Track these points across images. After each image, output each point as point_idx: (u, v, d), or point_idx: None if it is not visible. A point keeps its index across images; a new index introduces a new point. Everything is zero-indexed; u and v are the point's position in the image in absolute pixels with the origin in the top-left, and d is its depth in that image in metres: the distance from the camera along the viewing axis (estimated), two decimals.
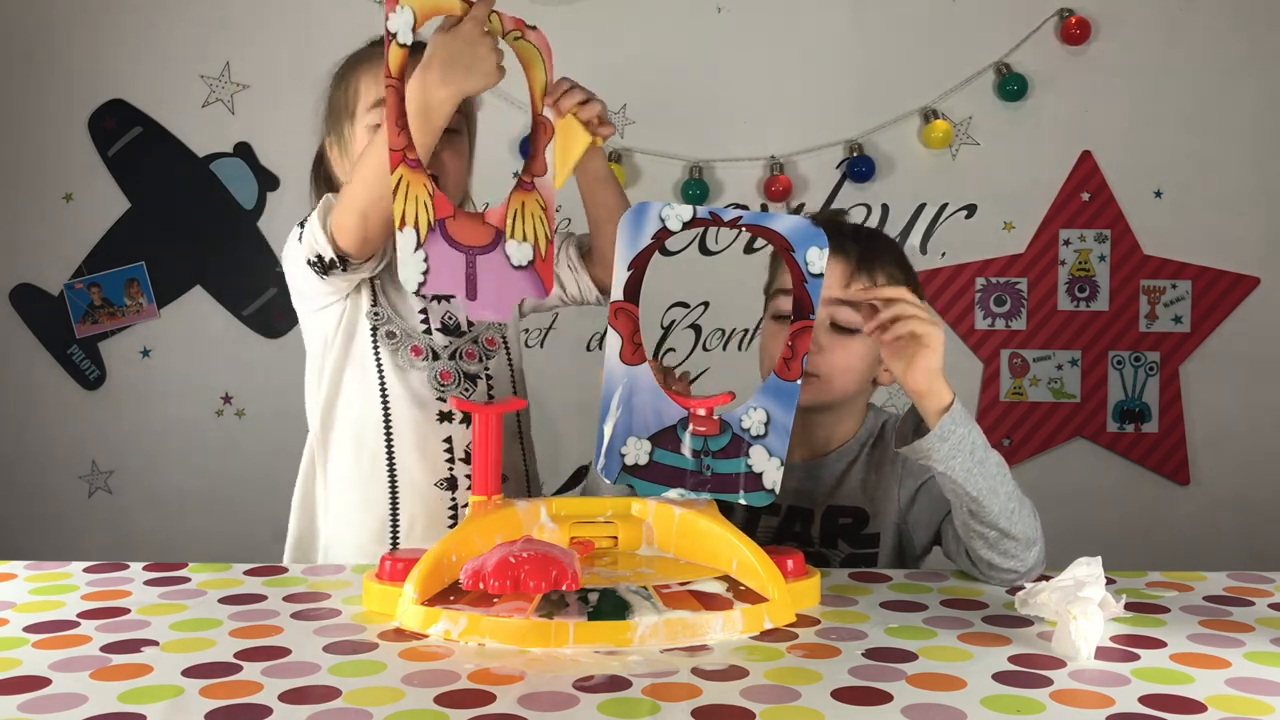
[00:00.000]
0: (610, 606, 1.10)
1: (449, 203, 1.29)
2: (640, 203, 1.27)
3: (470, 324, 1.56)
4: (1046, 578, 1.16)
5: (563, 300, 1.60)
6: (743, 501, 1.28)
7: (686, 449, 1.27)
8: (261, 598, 1.23)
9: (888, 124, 2.73)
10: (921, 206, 2.75)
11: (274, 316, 2.74)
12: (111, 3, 2.71)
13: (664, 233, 1.24)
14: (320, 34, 2.59)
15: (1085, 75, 2.72)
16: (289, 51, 2.67)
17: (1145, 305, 2.76)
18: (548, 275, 1.35)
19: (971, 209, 2.75)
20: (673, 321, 2.76)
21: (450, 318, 1.55)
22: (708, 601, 1.14)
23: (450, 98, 1.30)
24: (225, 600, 1.22)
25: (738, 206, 2.72)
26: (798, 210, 2.71)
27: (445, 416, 1.52)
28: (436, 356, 1.53)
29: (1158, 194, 2.75)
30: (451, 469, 1.52)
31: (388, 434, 1.52)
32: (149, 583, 1.29)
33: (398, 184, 1.26)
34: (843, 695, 0.96)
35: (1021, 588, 1.16)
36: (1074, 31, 2.69)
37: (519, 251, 1.33)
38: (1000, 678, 1.01)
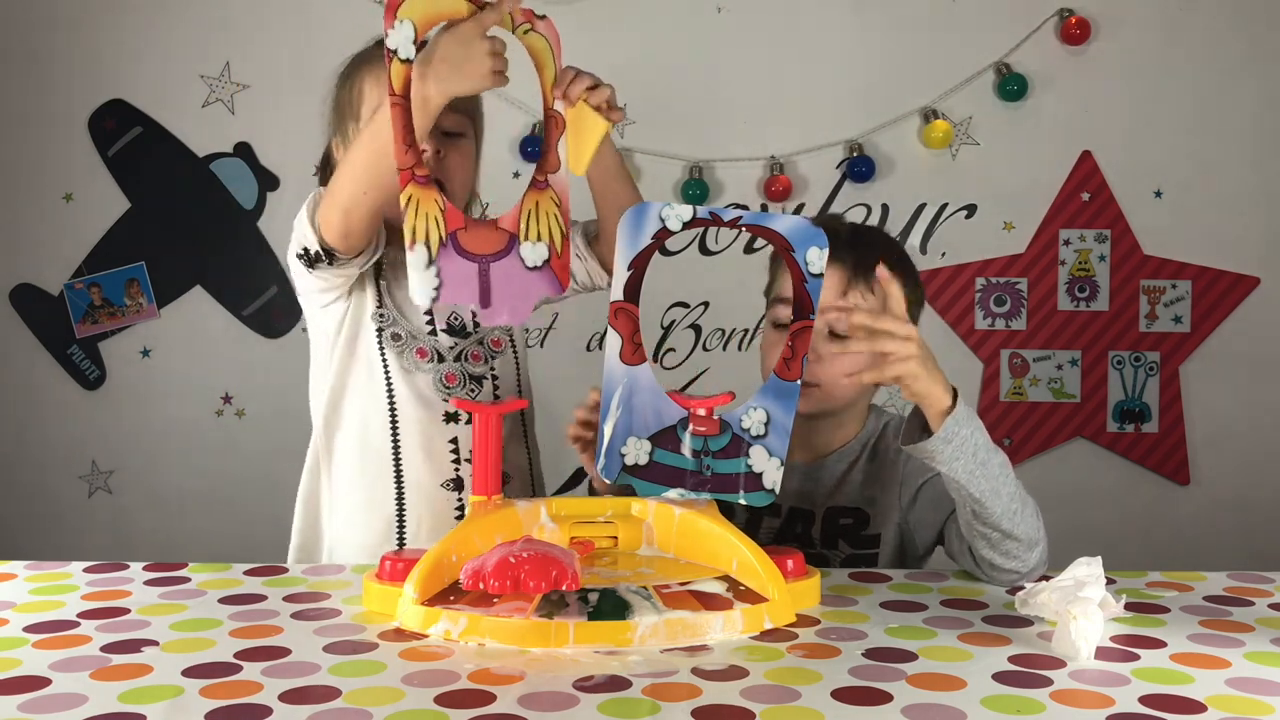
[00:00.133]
0: (610, 606, 1.10)
1: (460, 214, 1.29)
2: (640, 203, 1.27)
3: (476, 325, 1.56)
4: (1047, 578, 1.16)
5: (574, 289, 1.59)
6: (743, 501, 1.28)
7: (686, 449, 1.27)
8: (261, 598, 1.23)
9: (888, 124, 2.73)
10: (921, 206, 2.75)
11: (274, 316, 2.74)
12: (111, 3, 2.71)
13: (664, 233, 1.24)
14: (320, 34, 2.60)
15: (1085, 75, 2.72)
16: (289, 51, 2.67)
17: (1145, 305, 2.76)
18: (564, 271, 1.33)
19: (971, 209, 2.75)
20: (673, 321, 2.76)
21: (456, 319, 1.55)
22: (708, 601, 1.14)
23: (438, 95, 1.29)
24: (225, 600, 1.22)
25: (738, 206, 2.72)
26: (797, 211, 2.71)
27: (451, 417, 1.52)
28: (442, 358, 1.53)
29: (1158, 194, 2.75)
30: (457, 469, 1.52)
31: (394, 434, 1.51)
32: (149, 583, 1.29)
33: (407, 202, 1.26)
34: (843, 695, 0.96)
35: (1022, 588, 1.16)
36: (1074, 31, 2.69)
37: (533, 252, 1.32)
38: (1000, 678, 1.01)
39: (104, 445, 2.78)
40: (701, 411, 1.27)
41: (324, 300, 1.51)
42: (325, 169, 1.60)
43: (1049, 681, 1.00)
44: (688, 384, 2.74)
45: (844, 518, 1.54)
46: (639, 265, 1.25)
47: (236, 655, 1.04)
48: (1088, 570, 1.12)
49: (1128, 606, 1.16)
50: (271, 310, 2.74)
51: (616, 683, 0.99)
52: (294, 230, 1.45)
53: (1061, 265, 2.76)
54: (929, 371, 1.27)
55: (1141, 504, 2.77)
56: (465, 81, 1.29)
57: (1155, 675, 1.02)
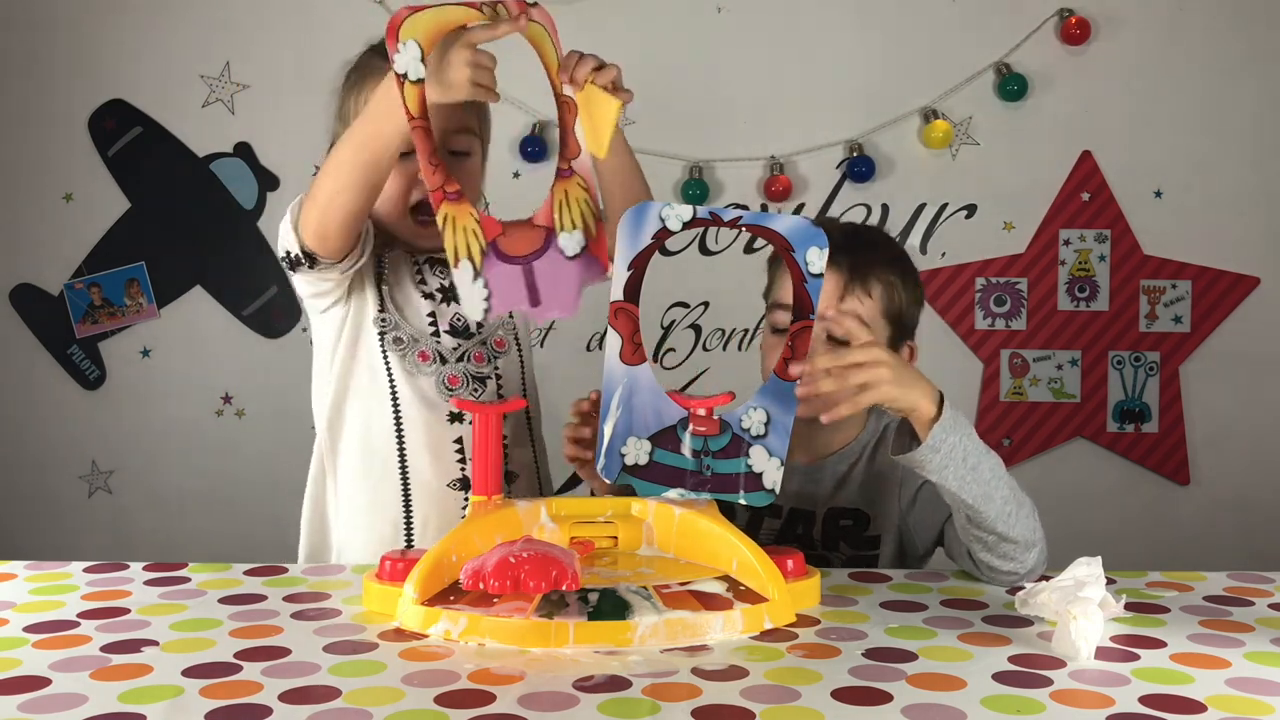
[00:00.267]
0: (610, 606, 1.10)
1: (496, 222, 1.29)
2: (640, 203, 1.27)
3: (479, 325, 1.55)
4: (1046, 578, 1.16)
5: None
6: (743, 501, 1.28)
7: (686, 449, 1.27)
8: (261, 598, 1.23)
9: (888, 124, 2.73)
10: (921, 206, 2.75)
11: (274, 316, 2.74)
12: (111, 3, 2.71)
13: (664, 233, 1.24)
14: (320, 34, 2.60)
15: (1085, 75, 2.72)
16: (289, 52, 2.68)
17: (1145, 305, 2.76)
18: (603, 253, 1.32)
19: (971, 209, 2.75)
20: (673, 321, 2.76)
21: (459, 319, 1.54)
22: (708, 601, 1.14)
23: None
24: (225, 600, 1.22)
25: (738, 206, 2.72)
26: (797, 211, 2.71)
27: (456, 417, 1.51)
28: (444, 360, 1.52)
29: (1158, 194, 2.75)
30: (463, 469, 1.51)
31: (398, 436, 1.51)
32: (149, 583, 1.29)
33: (444, 221, 1.25)
34: (843, 695, 0.96)
35: (1022, 588, 1.16)
36: (1074, 31, 2.69)
37: (570, 242, 1.32)
38: (1000, 678, 1.01)
39: (104, 445, 2.78)
40: (701, 411, 1.27)
41: (321, 305, 1.51)
42: None
43: (1049, 681, 1.00)
44: (688, 384, 2.74)
45: (844, 519, 1.54)
46: (639, 265, 1.25)
47: (236, 655, 1.04)
48: (1088, 570, 1.12)
49: (1128, 606, 1.16)
50: (271, 310, 2.74)
51: (616, 683, 0.99)
52: (279, 234, 1.45)
53: (1061, 265, 2.76)
54: (907, 386, 1.25)
55: (1141, 504, 2.77)
56: (445, 91, 1.26)
57: (1155, 675, 1.02)
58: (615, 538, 1.26)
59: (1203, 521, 2.76)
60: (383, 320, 1.51)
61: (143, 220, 2.75)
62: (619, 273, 1.24)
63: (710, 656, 1.06)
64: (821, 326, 1.43)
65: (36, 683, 0.98)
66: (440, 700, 0.94)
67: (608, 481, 1.29)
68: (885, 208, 2.75)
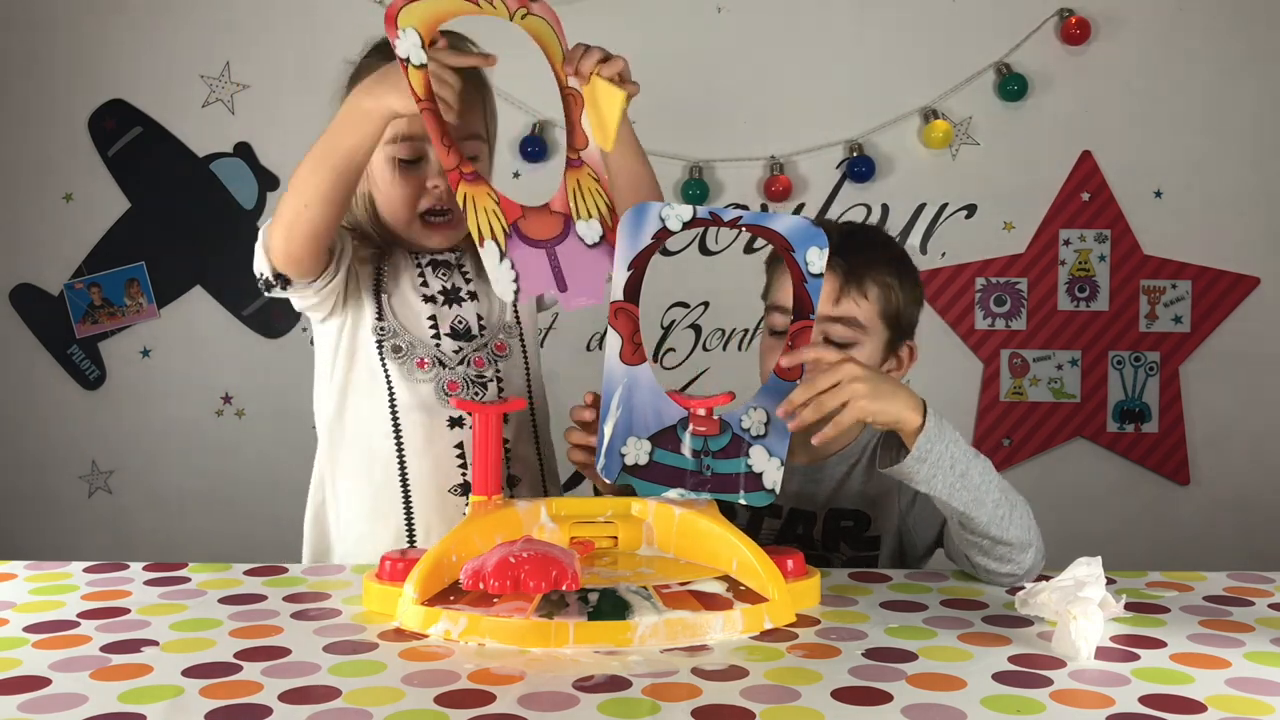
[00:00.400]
0: (610, 606, 1.10)
1: (516, 204, 1.29)
2: (640, 202, 1.27)
3: (482, 328, 1.55)
4: (1046, 578, 1.16)
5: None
6: (743, 501, 1.28)
7: (686, 449, 1.27)
8: (261, 598, 1.23)
9: (888, 124, 2.73)
10: (921, 206, 2.75)
11: (274, 316, 2.74)
12: (111, 3, 2.71)
13: (664, 233, 1.24)
14: (321, 35, 2.60)
15: (1085, 75, 2.72)
16: (290, 52, 2.67)
17: (1145, 305, 2.76)
18: None
19: (971, 209, 2.75)
20: (673, 321, 2.76)
21: (460, 322, 1.53)
22: (708, 601, 1.14)
23: (375, 110, 1.29)
24: (225, 600, 1.22)
25: (738, 206, 2.72)
26: (797, 211, 2.71)
27: (456, 422, 1.50)
28: (444, 365, 1.51)
29: (1158, 194, 2.75)
30: (465, 475, 1.50)
31: (398, 442, 1.50)
32: (149, 583, 1.29)
33: (464, 201, 1.26)
34: (843, 695, 0.96)
35: (1022, 588, 1.16)
36: (1074, 31, 2.69)
37: (589, 230, 1.32)
38: (1000, 678, 1.01)
39: (104, 445, 2.78)
40: (701, 411, 1.28)
41: (316, 317, 1.50)
42: None
43: (1049, 681, 1.00)
44: (688, 384, 2.74)
45: (845, 520, 1.54)
46: (639, 265, 1.25)
47: (236, 655, 1.04)
48: (1088, 570, 1.12)
49: (1128, 606, 1.16)
50: (271, 310, 2.74)
51: (616, 683, 0.99)
52: (254, 256, 1.44)
53: (1061, 265, 2.76)
54: (886, 399, 1.25)
55: (1141, 504, 2.77)
56: (400, 99, 1.27)
57: (1155, 675, 1.02)
58: (615, 538, 1.26)
59: (1203, 521, 2.76)
60: (381, 329, 1.50)
61: (143, 220, 2.75)
62: (619, 273, 1.24)
63: (710, 656, 1.06)
64: (819, 330, 1.43)
65: (36, 683, 0.98)
66: (440, 700, 0.94)
67: (608, 481, 1.29)
68: (885, 208, 2.75)
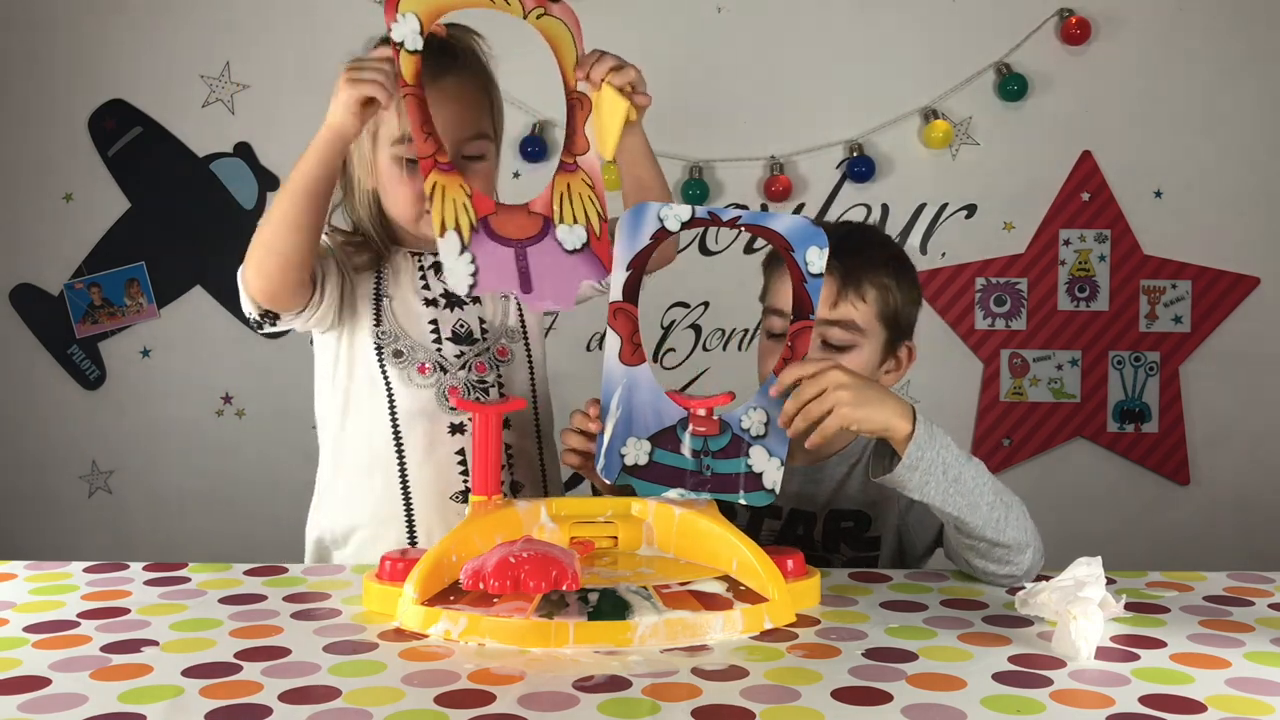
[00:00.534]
0: (610, 606, 1.10)
1: (489, 199, 1.28)
2: (639, 203, 1.27)
3: (484, 332, 1.54)
4: (1046, 578, 1.16)
5: (596, 289, 1.56)
6: (743, 501, 1.28)
7: (686, 449, 1.27)
8: (261, 598, 1.23)
9: (888, 124, 2.73)
10: (921, 206, 2.75)
11: None
12: (111, 3, 2.71)
13: (663, 233, 1.24)
14: (321, 35, 2.60)
15: (1085, 75, 2.72)
16: (290, 52, 2.67)
17: (1145, 305, 2.76)
18: (606, 254, 1.31)
19: (971, 209, 2.75)
20: (673, 321, 2.76)
21: (462, 325, 1.52)
22: (708, 601, 1.14)
23: (326, 133, 1.30)
24: (225, 600, 1.22)
25: (738, 206, 2.72)
26: (797, 211, 2.71)
27: (457, 429, 1.49)
28: (445, 370, 1.50)
29: (1158, 194, 2.75)
30: (466, 481, 1.48)
31: (399, 450, 1.49)
32: (149, 583, 1.29)
33: (432, 190, 1.25)
34: (843, 695, 0.96)
35: (1022, 588, 1.16)
36: (1074, 31, 2.69)
37: (571, 236, 1.31)
38: (1000, 678, 1.01)
39: (104, 445, 2.78)
40: (701, 411, 1.28)
41: (315, 331, 1.50)
42: (343, 168, 1.57)
43: (1049, 681, 1.00)
44: (688, 384, 2.74)
45: (845, 520, 1.54)
46: (638, 265, 1.25)
47: (236, 655, 1.04)
48: (1088, 570, 1.12)
49: (1128, 606, 1.16)
50: None
51: (616, 683, 0.99)
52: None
53: (1061, 265, 2.76)
54: (872, 406, 1.25)
55: (1141, 504, 2.77)
56: (340, 110, 1.28)
57: (1155, 675, 1.02)
58: (615, 538, 1.26)
59: (1203, 521, 2.76)
60: (381, 334, 1.49)
61: (143, 220, 2.75)
62: (618, 273, 1.24)
63: (710, 656, 1.06)
64: (816, 333, 1.43)
65: (36, 683, 0.98)
66: (440, 700, 0.94)
67: (608, 481, 1.28)
68: (885, 208, 2.75)
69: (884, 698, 0.96)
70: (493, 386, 1.52)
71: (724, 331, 2.76)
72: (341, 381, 1.51)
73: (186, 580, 1.30)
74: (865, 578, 1.34)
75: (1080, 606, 1.06)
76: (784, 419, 1.26)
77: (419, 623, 1.12)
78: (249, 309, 1.42)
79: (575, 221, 1.31)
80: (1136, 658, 1.06)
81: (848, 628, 1.15)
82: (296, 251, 1.34)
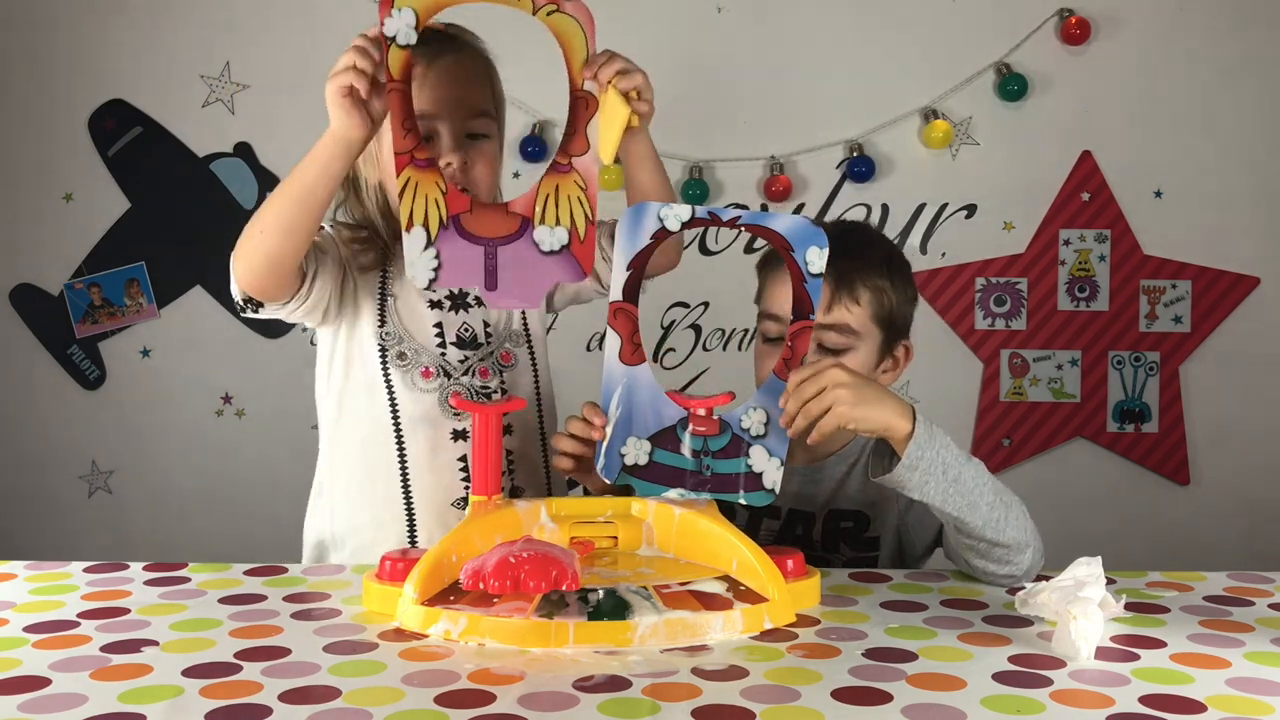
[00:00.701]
0: (610, 606, 1.10)
1: (464, 197, 1.27)
2: (639, 203, 1.26)
3: (489, 336, 1.52)
4: (1046, 578, 1.16)
5: (598, 291, 1.55)
6: (743, 501, 1.28)
7: (686, 449, 1.27)
8: (261, 598, 1.23)
9: (888, 124, 2.73)
10: (921, 206, 2.75)
11: None
12: (111, 3, 2.71)
13: (663, 233, 1.24)
14: (321, 35, 2.60)
15: (1085, 75, 2.72)
16: (290, 52, 2.67)
17: (1145, 305, 2.76)
18: (586, 258, 1.29)
19: (971, 209, 2.75)
20: (673, 321, 2.76)
21: (466, 329, 1.51)
22: (708, 601, 1.14)
23: (331, 139, 1.29)
24: (225, 600, 1.22)
25: (738, 206, 2.72)
26: (797, 211, 2.71)
27: (459, 435, 1.48)
28: (448, 374, 1.49)
29: (1158, 194, 2.75)
30: (468, 488, 1.47)
31: (401, 455, 1.48)
32: (149, 583, 1.29)
33: (404, 186, 1.25)
34: (843, 695, 0.96)
35: (1022, 588, 1.16)
36: (1074, 31, 2.69)
37: (550, 237, 1.29)
38: (1000, 678, 1.01)
39: (104, 445, 2.78)
40: (701, 411, 1.28)
41: (309, 323, 1.48)
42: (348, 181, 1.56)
43: (1049, 681, 1.00)
44: (688, 384, 2.74)
45: (844, 520, 1.54)
46: (638, 265, 1.25)
47: (236, 655, 1.04)
48: (1088, 570, 1.12)
49: (1128, 606, 1.16)
50: None
51: (616, 683, 0.99)
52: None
53: (1061, 265, 2.76)
54: (870, 405, 1.25)
55: (1141, 504, 2.77)
56: (342, 120, 1.27)
57: (1155, 675, 1.02)
58: (615, 538, 1.26)
59: (1203, 521, 2.76)
60: (385, 335, 1.48)
61: (143, 220, 2.75)
62: (618, 273, 1.24)
63: (710, 656, 1.06)
64: (813, 336, 1.42)
65: (36, 683, 0.98)
66: (440, 700, 0.94)
67: (608, 481, 1.28)
68: (885, 208, 2.75)
69: (884, 698, 0.96)
70: (495, 393, 1.51)
71: (724, 331, 2.76)
72: (338, 381, 1.50)
73: (186, 580, 1.30)
74: (865, 578, 1.34)
75: (1080, 606, 1.06)
76: (785, 419, 1.26)
77: (419, 623, 1.12)
78: (235, 292, 1.42)
79: (558, 223, 1.30)
80: (1136, 658, 1.06)
81: (848, 628, 1.14)
82: (285, 254, 1.34)
